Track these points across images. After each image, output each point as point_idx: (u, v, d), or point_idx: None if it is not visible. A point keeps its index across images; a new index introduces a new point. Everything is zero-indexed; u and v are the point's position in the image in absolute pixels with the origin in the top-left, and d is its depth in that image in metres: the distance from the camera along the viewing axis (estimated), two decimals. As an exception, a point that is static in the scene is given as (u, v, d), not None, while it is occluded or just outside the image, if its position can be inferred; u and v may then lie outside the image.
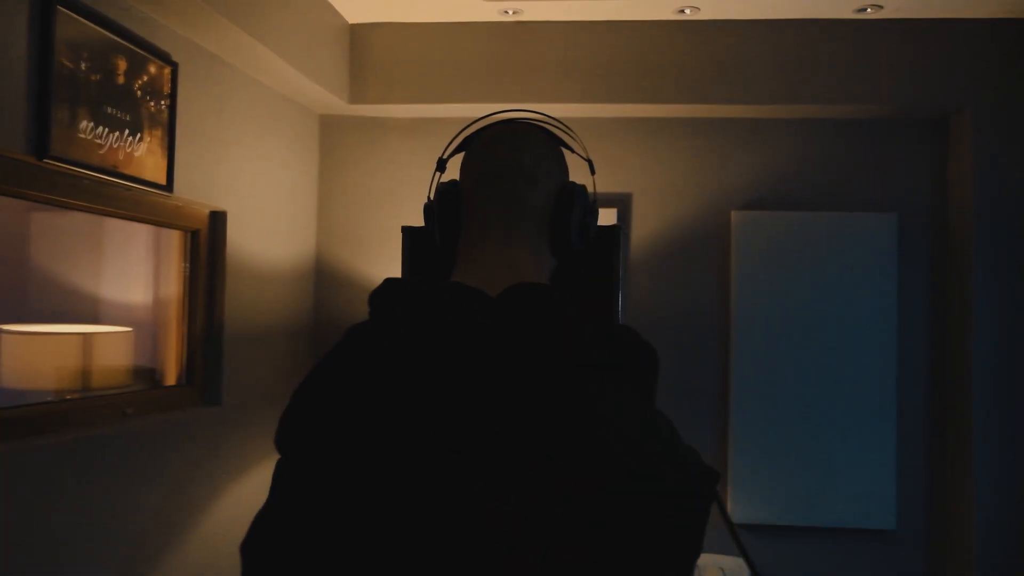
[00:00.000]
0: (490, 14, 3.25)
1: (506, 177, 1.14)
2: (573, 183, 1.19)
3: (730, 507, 3.30)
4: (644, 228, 3.42)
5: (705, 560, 3.15)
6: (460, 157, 1.25)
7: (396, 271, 3.46)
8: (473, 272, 1.09)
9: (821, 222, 3.32)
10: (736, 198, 3.41)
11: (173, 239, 2.68)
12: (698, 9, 3.14)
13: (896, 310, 3.29)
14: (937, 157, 3.36)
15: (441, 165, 1.30)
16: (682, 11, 3.16)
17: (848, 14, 3.15)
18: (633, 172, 3.45)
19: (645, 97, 3.27)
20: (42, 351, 2.49)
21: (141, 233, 2.73)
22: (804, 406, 3.29)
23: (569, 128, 1.29)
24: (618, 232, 2.00)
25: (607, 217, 3.40)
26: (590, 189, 1.23)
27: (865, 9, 3.09)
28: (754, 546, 3.33)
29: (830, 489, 3.26)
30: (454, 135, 1.31)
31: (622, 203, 3.44)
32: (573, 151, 1.26)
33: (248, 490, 2.91)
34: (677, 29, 3.26)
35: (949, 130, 3.33)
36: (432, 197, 1.22)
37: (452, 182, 1.19)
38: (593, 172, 1.30)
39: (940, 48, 3.17)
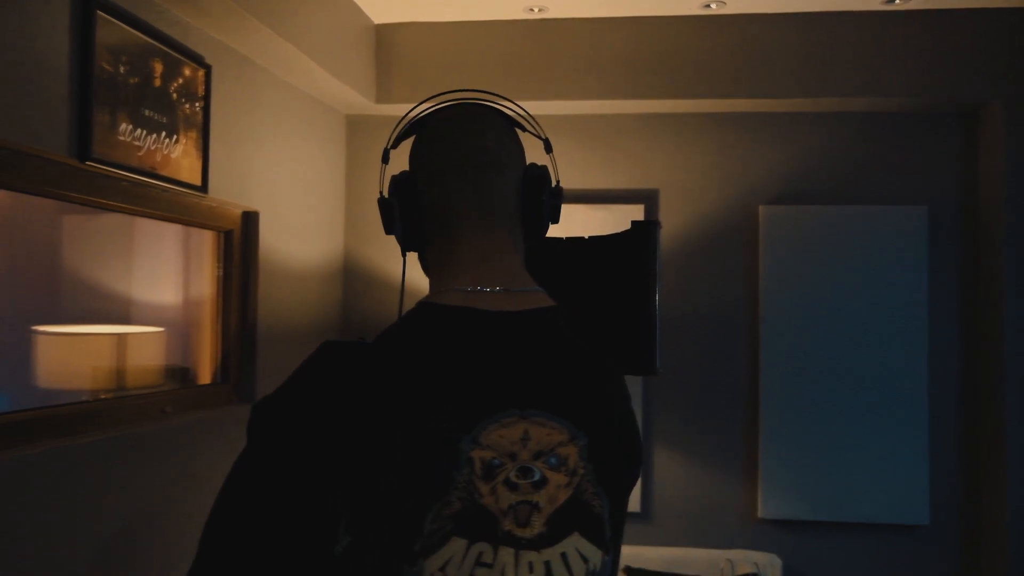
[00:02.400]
0: (515, 12, 3.26)
1: (474, 166, 1.10)
2: (535, 165, 1.16)
3: (760, 503, 3.30)
4: (672, 224, 3.42)
5: (737, 555, 3.15)
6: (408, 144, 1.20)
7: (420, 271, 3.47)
8: (466, 276, 1.07)
9: (850, 216, 3.31)
10: (764, 192, 3.40)
11: (205, 239, 2.71)
12: (723, 3, 3.13)
13: (927, 303, 3.27)
14: (967, 149, 3.34)
15: (385, 156, 1.23)
16: (707, 5, 3.16)
17: (876, 5, 3.13)
18: (660, 168, 3.45)
19: (671, 92, 3.27)
20: (76, 351, 2.52)
21: (171, 235, 2.76)
22: (834, 401, 3.28)
23: (519, 105, 1.22)
24: (655, 228, 2.00)
25: (635, 213, 3.40)
26: (547, 166, 1.19)
27: (893, 0, 3.08)
28: (785, 542, 3.32)
29: (862, 484, 3.25)
30: (399, 124, 1.22)
31: (649, 199, 3.45)
32: (526, 130, 1.20)
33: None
34: (703, 24, 3.25)
35: (979, 122, 3.31)
36: (385, 192, 1.16)
37: (407, 173, 1.14)
38: (550, 151, 1.24)
39: (969, 39, 3.15)
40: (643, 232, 1.95)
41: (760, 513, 3.30)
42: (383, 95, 3.39)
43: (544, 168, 1.16)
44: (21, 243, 2.56)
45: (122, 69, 2.03)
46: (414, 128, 1.18)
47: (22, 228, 2.55)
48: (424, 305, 1.06)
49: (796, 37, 3.21)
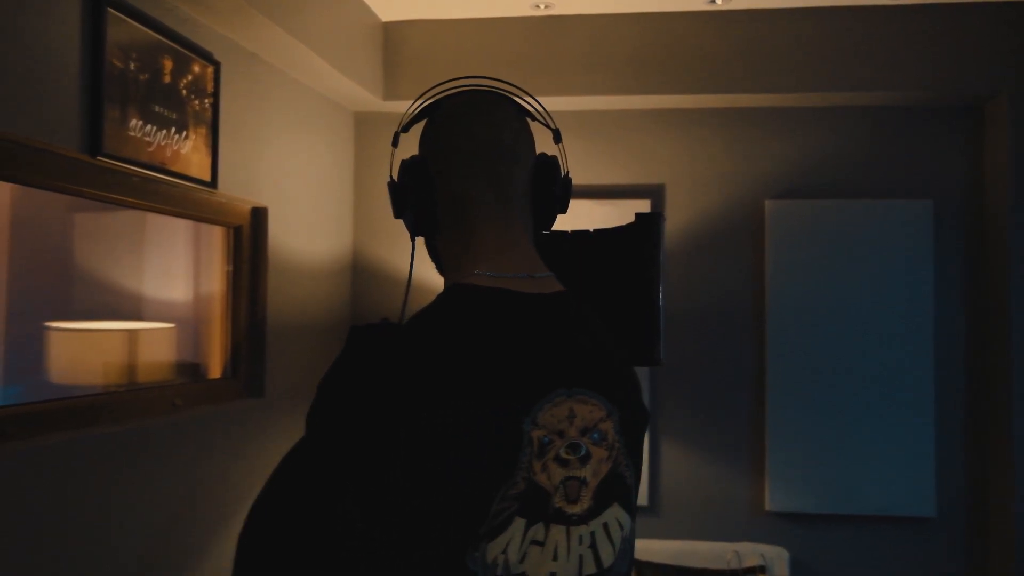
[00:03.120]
0: (521, 8, 3.28)
1: (490, 154, 1.11)
2: (545, 154, 1.18)
3: (767, 496, 3.31)
4: (678, 219, 3.43)
5: (744, 548, 3.16)
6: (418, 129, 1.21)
7: (432, 266, 3.49)
8: (489, 263, 1.09)
9: (855, 210, 3.32)
10: (769, 187, 3.41)
11: (215, 236, 2.74)
12: (729, -1, 3.15)
13: (932, 296, 3.28)
14: (972, 143, 3.35)
15: (396, 140, 1.23)
16: (713, 1, 3.17)
17: (881, 0, 3.14)
18: (666, 163, 3.47)
19: (676, 88, 3.28)
20: (88, 347, 2.55)
21: (181, 232, 2.79)
22: (841, 394, 3.28)
23: (531, 95, 1.22)
24: (659, 219, 2.01)
25: (641, 208, 3.41)
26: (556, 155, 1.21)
27: (898, -5, 3.09)
28: (792, 535, 3.33)
29: (868, 477, 3.26)
30: (411, 107, 1.22)
31: (655, 194, 3.46)
32: (537, 120, 1.22)
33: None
34: (708, 19, 3.27)
35: (984, 115, 3.31)
36: (396, 176, 1.17)
37: (418, 158, 1.14)
38: (559, 141, 1.26)
39: (974, 33, 3.15)
40: (647, 224, 1.97)
41: (767, 506, 3.31)
42: (391, 92, 3.42)
43: (554, 158, 1.18)
44: (34, 241, 2.60)
45: (132, 66, 2.06)
46: (426, 112, 1.18)
47: (35, 226, 2.59)
48: (458, 287, 1.07)
49: (801, 32, 3.22)
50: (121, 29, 2.01)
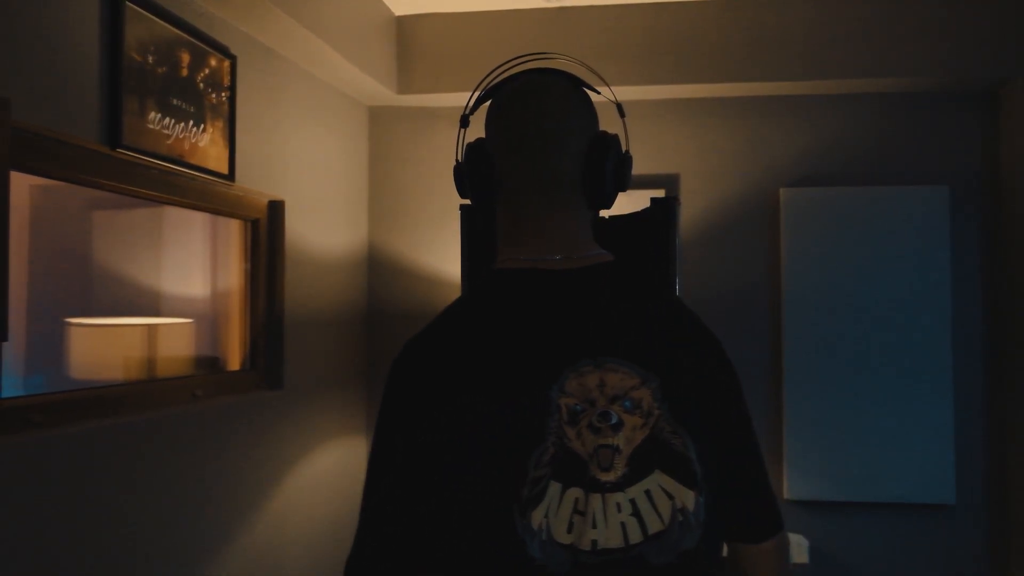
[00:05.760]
0: (534, 1, 3.29)
1: (535, 147, 1.15)
2: (604, 133, 1.21)
3: (786, 484, 3.30)
4: (693, 208, 3.43)
5: (762, 536, 3.15)
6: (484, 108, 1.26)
7: (447, 259, 3.51)
8: (528, 248, 1.15)
9: (871, 196, 3.31)
10: (784, 175, 3.41)
11: (232, 231, 2.76)
12: (742, -13, 3.14)
13: (950, 283, 3.26)
14: (988, 128, 3.33)
15: (464, 121, 1.29)
16: (726, -10, 3.17)
17: (894, -14, 3.13)
18: (680, 152, 3.47)
19: (690, 77, 3.28)
20: (108, 343, 2.58)
21: (198, 227, 2.81)
22: (858, 382, 3.28)
23: (593, 70, 1.26)
24: (674, 203, 2.02)
25: (656, 193, 3.41)
26: (621, 133, 1.25)
27: (912, -20, 3.07)
28: (812, 523, 3.33)
29: (887, 464, 3.25)
30: (475, 89, 1.29)
31: (670, 184, 3.46)
32: (600, 93, 1.24)
33: (309, 466, 2.99)
34: (720, 8, 3.26)
35: (1000, 99, 3.30)
36: (460, 159, 1.24)
37: (480, 143, 1.20)
38: (623, 115, 1.30)
39: (989, 16, 3.13)
40: (662, 208, 1.98)
41: (786, 494, 3.30)
42: (404, 86, 3.43)
43: (613, 136, 1.20)
44: (53, 238, 2.63)
45: (150, 59, 2.08)
46: (489, 93, 1.24)
47: (54, 224, 2.62)
48: (492, 272, 1.17)
49: (814, 18, 3.21)
50: (139, 23, 2.03)
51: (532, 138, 1.16)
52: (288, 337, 2.84)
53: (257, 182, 2.66)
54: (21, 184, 2.09)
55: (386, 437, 1.09)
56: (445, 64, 3.40)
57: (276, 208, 2.80)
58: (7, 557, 1.66)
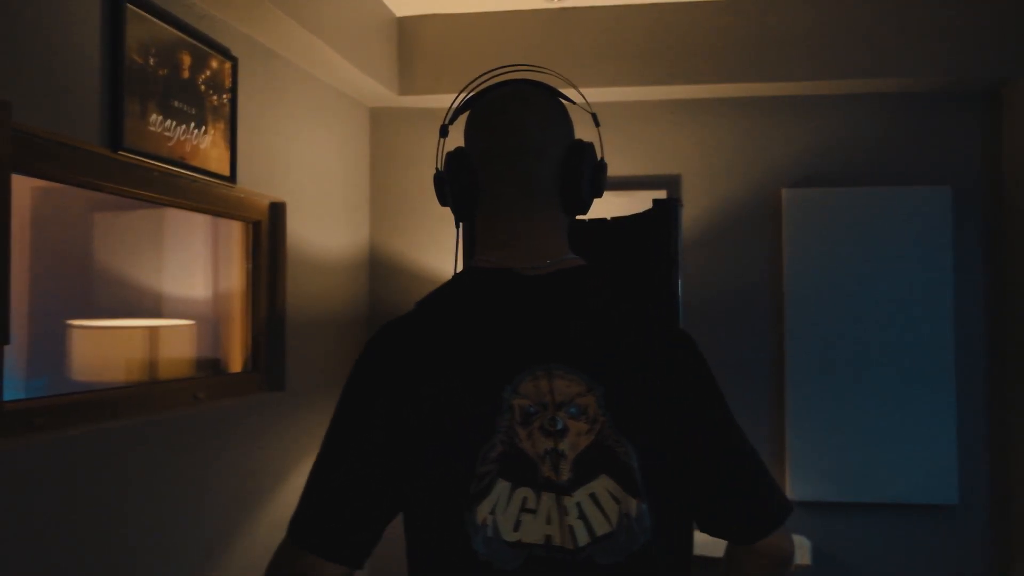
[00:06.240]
0: (535, 1, 3.28)
1: (515, 153, 1.18)
2: (580, 141, 1.23)
3: (789, 485, 3.30)
4: (694, 209, 3.43)
5: (765, 537, 3.15)
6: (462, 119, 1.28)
7: (448, 260, 3.51)
8: (503, 251, 1.18)
9: (873, 197, 3.30)
10: (786, 175, 3.40)
11: (233, 233, 2.76)
12: (743, -13, 3.14)
13: (952, 283, 3.26)
14: (990, 127, 3.32)
15: (444, 131, 1.31)
16: (727, -10, 3.16)
17: (896, -14, 3.13)
18: (681, 153, 3.46)
19: (691, 78, 3.28)
20: (110, 345, 2.57)
21: (199, 229, 2.81)
22: (861, 383, 3.27)
23: (568, 80, 1.30)
24: (676, 205, 2.02)
25: (658, 194, 3.41)
26: (595, 141, 1.28)
27: (913, -20, 3.07)
28: (814, 524, 3.32)
29: (890, 465, 3.24)
30: (455, 100, 1.31)
31: (671, 184, 3.46)
32: (575, 104, 1.28)
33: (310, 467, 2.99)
34: (721, 8, 3.26)
35: (1002, 99, 3.29)
36: (441, 167, 1.26)
37: (461, 151, 1.22)
38: (598, 124, 1.32)
39: (990, 16, 3.13)
40: (664, 210, 1.98)
41: (789, 495, 3.29)
42: (406, 87, 3.43)
43: (588, 145, 1.24)
44: (55, 240, 2.63)
45: (151, 61, 2.07)
46: (469, 103, 1.26)
47: (55, 226, 2.61)
48: (467, 269, 1.20)
49: (815, 19, 3.21)
50: (140, 25, 2.03)
51: (513, 145, 1.18)
52: (289, 339, 2.84)
53: (258, 184, 2.66)
54: (22, 186, 2.08)
55: (348, 410, 1.15)
56: (446, 65, 3.40)
57: (277, 209, 2.80)
58: (9, 559, 1.66)
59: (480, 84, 1.28)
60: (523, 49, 3.35)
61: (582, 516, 1.06)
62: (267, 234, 2.78)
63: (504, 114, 1.21)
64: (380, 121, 3.64)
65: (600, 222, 1.89)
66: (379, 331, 1.20)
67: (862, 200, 3.31)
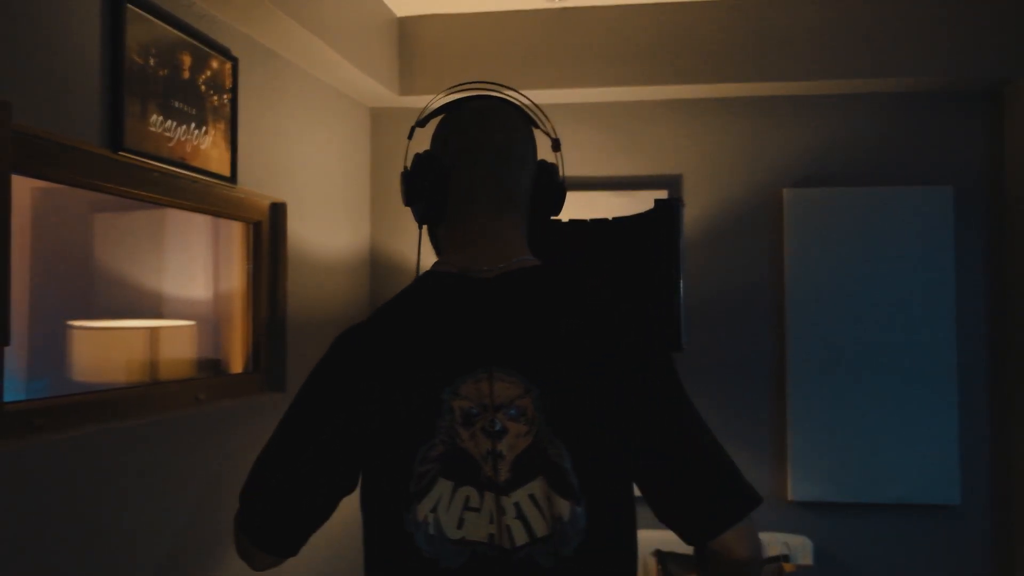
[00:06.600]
0: (536, 1, 3.28)
1: (494, 159, 1.22)
2: (544, 162, 1.29)
3: (790, 485, 3.30)
4: (695, 209, 3.43)
5: (768, 538, 3.15)
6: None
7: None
8: (466, 252, 1.21)
9: (874, 197, 3.30)
10: (787, 175, 3.40)
11: (234, 234, 2.75)
12: (744, -13, 3.13)
13: (954, 284, 3.25)
14: (992, 127, 3.32)
15: (411, 133, 1.35)
16: (728, -10, 3.16)
17: (897, -15, 3.12)
18: (682, 153, 3.46)
19: (692, 78, 3.27)
20: (110, 345, 2.57)
21: (200, 230, 2.80)
22: (862, 382, 3.27)
23: (537, 106, 1.34)
24: (678, 205, 2.01)
25: (659, 194, 3.40)
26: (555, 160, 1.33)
27: (915, -20, 3.06)
28: (816, 524, 3.32)
29: (892, 465, 3.24)
30: (429, 104, 1.34)
31: (672, 184, 3.45)
32: (540, 128, 1.32)
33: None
34: (722, 8, 3.25)
35: (1004, 99, 3.29)
36: (409, 166, 1.28)
37: (431, 153, 1.25)
38: (558, 150, 1.35)
39: (992, 16, 3.12)
40: (666, 209, 1.97)
41: (790, 496, 3.29)
42: (406, 87, 3.43)
43: (553, 166, 1.29)
44: (55, 241, 2.62)
45: (152, 62, 2.07)
46: (442, 111, 1.30)
47: (56, 227, 2.61)
48: (427, 273, 1.24)
49: (816, 18, 3.21)
50: (140, 26, 2.02)
51: (486, 151, 1.22)
52: (290, 339, 2.83)
53: (259, 184, 2.65)
54: (23, 187, 2.08)
55: (294, 411, 1.22)
56: (447, 65, 3.40)
57: (278, 210, 2.79)
58: (11, 561, 1.66)
59: (453, 92, 1.32)
60: (523, 49, 3.35)
61: (520, 516, 1.09)
62: (268, 234, 2.78)
63: (481, 120, 1.24)
64: (381, 121, 3.63)
65: (602, 222, 1.88)
66: (337, 338, 1.25)
67: (864, 200, 3.30)
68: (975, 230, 3.31)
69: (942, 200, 3.27)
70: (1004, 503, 3.25)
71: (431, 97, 1.35)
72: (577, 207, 3.35)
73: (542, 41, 3.35)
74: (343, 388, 1.18)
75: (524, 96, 1.32)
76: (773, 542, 3.14)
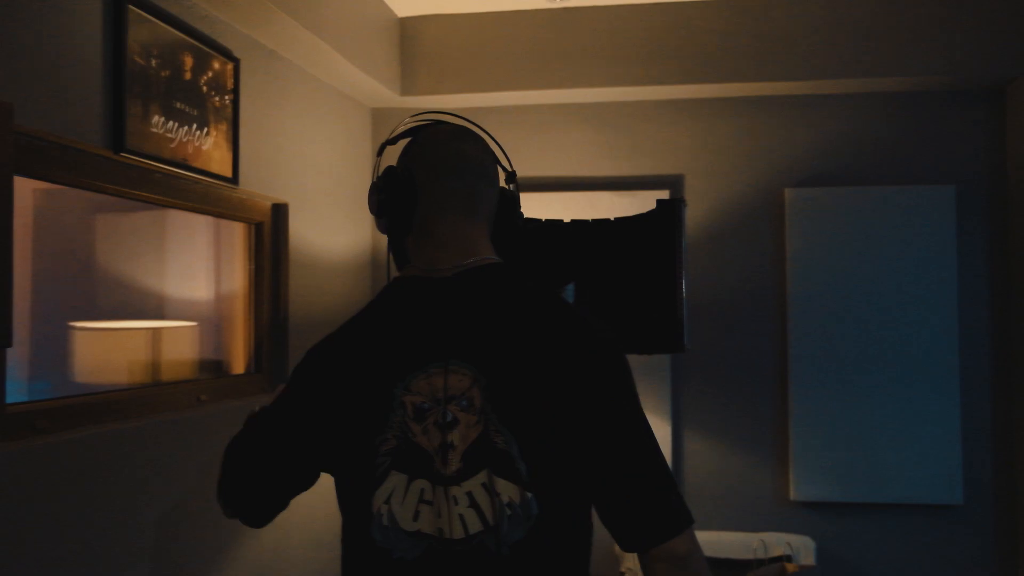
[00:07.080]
0: (537, 1, 3.28)
1: (456, 168, 1.29)
2: (505, 188, 1.37)
3: (792, 485, 3.29)
4: (697, 209, 3.42)
5: (770, 538, 3.15)
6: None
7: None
8: (434, 256, 1.27)
9: (877, 196, 3.30)
10: (789, 175, 3.40)
11: (235, 235, 2.75)
12: (746, -14, 3.13)
13: (956, 283, 3.25)
14: (994, 127, 3.31)
15: (381, 150, 1.41)
16: (729, -11, 3.15)
17: (899, -15, 3.12)
18: (684, 153, 3.46)
19: (693, 78, 3.27)
20: (112, 346, 2.57)
21: (202, 231, 2.80)
22: (865, 382, 3.26)
23: (494, 139, 1.42)
24: (680, 205, 2.00)
25: (661, 194, 3.40)
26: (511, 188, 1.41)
27: (916, -21, 3.06)
28: (818, 524, 3.31)
29: (895, 465, 3.24)
30: (402, 124, 1.43)
31: (674, 185, 3.45)
32: (497, 161, 1.39)
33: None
34: (724, 7, 3.25)
35: (1006, 98, 3.28)
36: (379, 180, 1.33)
37: (403, 168, 1.30)
38: (511, 182, 1.40)
39: (994, 14, 3.12)
40: (669, 210, 1.96)
41: (792, 495, 3.29)
42: (408, 88, 3.43)
43: (515, 193, 1.38)
44: (57, 242, 2.62)
45: (153, 63, 2.07)
46: (413, 132, 1.38)
47: (57, 228, 2.61)
48: (393, 279, 1.32)
49: (817, 18, 3.20)
50: (142, 27, 2.02)
51: (455, 163, 1.28)
52: (292, 340, 2.83)
53: (261, 185, 2.65)
54: (25, 188, 2.08)
55: (272, 407, 1.32)
56: (448, 65, 3.39)
57: (280, 211, 2.79)
58: (14, 562, 1.66)
59: (422, 121, 1.39)
60: (524, 49, 3.35)
61: (473, 505, 1.13)
62: (269, 235, 2.78)
63: (453, 138, 1.31)
64: (382, 122, 3.63)
65: (604, 222, 1.88)
66: (321, 342, 1.33)
67: (866, 199, 3.30)
68: (977, 229, 3.31)
69: (944, 199, 3.27)
70: (1007, 503, 3.25)
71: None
72: (579, 207, 3.35)
73: (543, 41, 3.34)
74: (306, 390, 1.27)
75: (483, 130, 1.41)
76: (775, 542, 3.14)
